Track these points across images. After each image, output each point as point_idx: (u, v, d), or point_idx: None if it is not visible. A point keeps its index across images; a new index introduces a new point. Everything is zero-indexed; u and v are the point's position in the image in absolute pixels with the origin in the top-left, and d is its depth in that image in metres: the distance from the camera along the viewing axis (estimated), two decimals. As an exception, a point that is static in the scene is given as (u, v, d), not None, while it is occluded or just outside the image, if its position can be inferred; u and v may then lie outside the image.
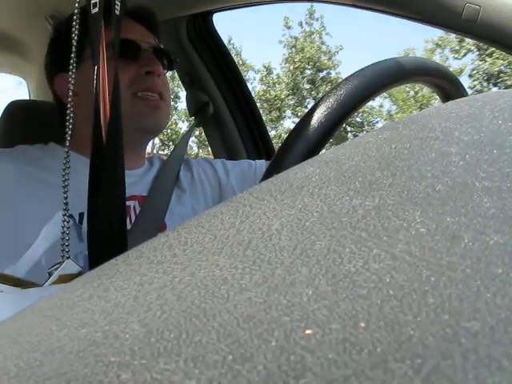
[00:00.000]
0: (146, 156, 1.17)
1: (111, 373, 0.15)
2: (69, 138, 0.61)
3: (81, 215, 0.92)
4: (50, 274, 0.56)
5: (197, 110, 1.48)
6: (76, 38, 0.60)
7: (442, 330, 0.15)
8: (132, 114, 0.99)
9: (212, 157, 1.68)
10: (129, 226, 0.98)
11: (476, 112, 0.33)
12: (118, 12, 0.63)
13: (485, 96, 0.36)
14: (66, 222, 0.61)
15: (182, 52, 1.54)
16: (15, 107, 1.32)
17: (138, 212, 0.99)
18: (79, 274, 0.57)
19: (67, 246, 0.60)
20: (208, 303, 0.18)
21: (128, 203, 1.01)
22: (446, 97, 0.72)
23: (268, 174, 0.56)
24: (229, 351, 0.16)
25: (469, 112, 0.33)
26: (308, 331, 0.16)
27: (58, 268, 0.56)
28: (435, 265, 0.19)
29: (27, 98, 2.13)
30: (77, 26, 0.60)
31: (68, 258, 0.58)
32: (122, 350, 0.16)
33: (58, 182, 0.95)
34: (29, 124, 1.28)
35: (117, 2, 0.62)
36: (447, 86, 0.72)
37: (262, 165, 1.21)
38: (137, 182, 1.06)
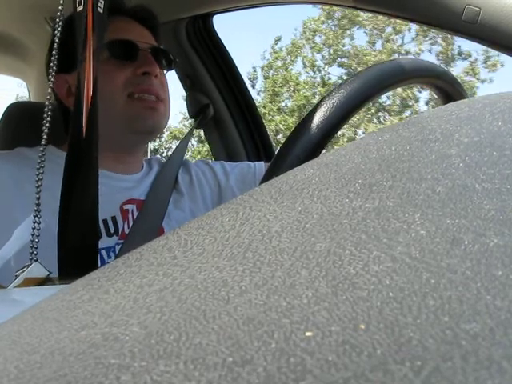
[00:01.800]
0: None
1: (111, 375, 0.15)
2: (45, 137, 0.61)
3: None
4: (17, 277, 0.55)
5: (197, 111, 1.48)
6: (58, 40, 0.60)
7: (442, 332, 0.15)
8: (128, 115, 0.99)
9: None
10: (127, 230, 0.98)
11: (476, 114, 0.33)
12: (101, 10, 0.62)
13: (485, 98, 0.36)
14: (36, 224, 0.60)
15: (182, 54, 1.54)
16: (15, 109, 1.32)
17: (135, 216, 0.99)
18: (47, 278, 0.56)
19: (36, 248, 0.58)
20: (208, 305, 0.18)
21: (126, 207, 1.01)
22: (446, 98, 0.72)
23: (268, 176, 0.56)
24: (229, 353, 0.16)
25: (469, 114, 0.33)
26: (308, 333, 0.16)
27: (24, 271, 0.56)
28: (435, 267, 0.19)
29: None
30: (60, 25, 0.60)
31: (36, 260, 0.57)
32: (121, 352, 0.16)
33: (54, 185, 0.95)
34: (28, 126, 1.28)
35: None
36: (447, 88, 0.72)
37: (261, 166, 1.21)
38: (135, 186, 1.06)
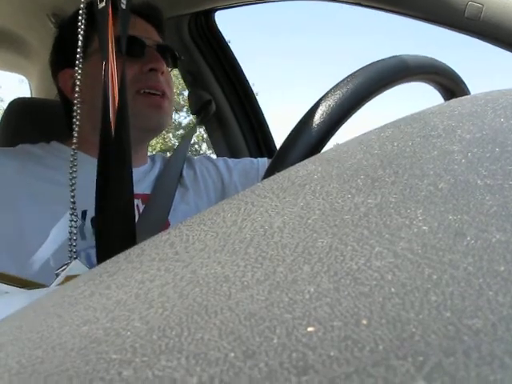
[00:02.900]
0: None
1: (113, 370, 0.15)
2: (76, 135, 0.60)
3: (83, 213, 0.92)
4: (58, 275, 0.55)
5: (199, 108, 1.48)
6: (82, 32, 0.59)
7: (444, 328, 0.15)
8: (133, 112, 0.99)
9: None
10: None
11: (478, 110, 0.32)
12: (124, 6, 0.62)
13: (487, 94, 0.36)
14: (73, 222, 0.60)
15: (184, 50, 1.54)
16: (17, 105, 1.32)
17: (141, 210, 0.99)
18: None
19: (74, 246, 0.59)
20: (210, 300, 0.18)
21: None
22: (449, 95, 0.72)
23: (270, 172, 0.56)
24: (230, 348, 0.16)
25: (471, 110, 0.33)
26: (310, 328, 0.16)
27: (65, 269, 0.56)
28: (437, 262, 0.19)
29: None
30: (83, 21, 0.59)
31: (75, 258, 0.57)
32: (123, 348, 0.16)
33: (61, 179, 0.96)
34: (31, 122, 1.28)
35: None
36: (449, 84, 0.72)
37: (264, 162, 1.21)
38: (140, 180, 1.06)
